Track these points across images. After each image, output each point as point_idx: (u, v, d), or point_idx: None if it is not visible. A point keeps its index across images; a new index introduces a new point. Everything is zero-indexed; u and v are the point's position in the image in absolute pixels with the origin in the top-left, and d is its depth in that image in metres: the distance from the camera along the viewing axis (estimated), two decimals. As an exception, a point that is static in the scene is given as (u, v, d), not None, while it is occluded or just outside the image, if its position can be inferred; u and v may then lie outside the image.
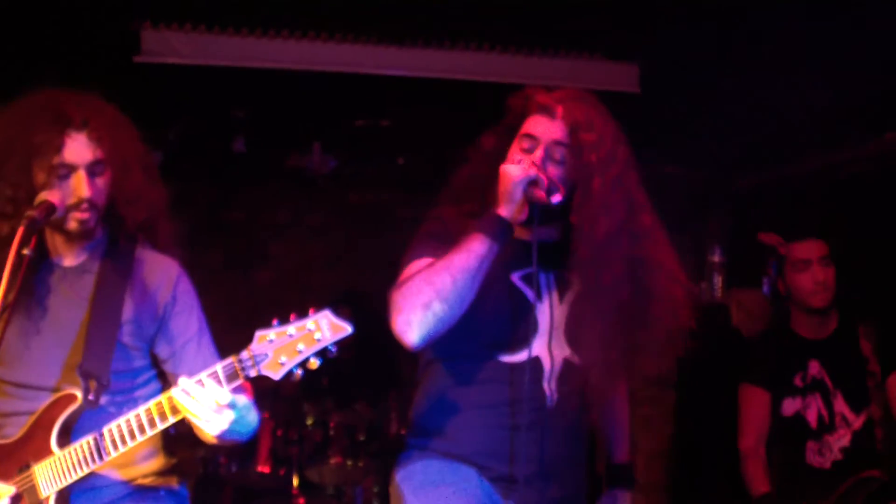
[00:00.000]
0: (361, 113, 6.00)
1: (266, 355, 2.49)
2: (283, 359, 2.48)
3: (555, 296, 2.95)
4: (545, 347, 2.91)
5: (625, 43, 5.22)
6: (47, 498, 2.61)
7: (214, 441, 2.67)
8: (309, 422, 5.73)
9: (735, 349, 5.56)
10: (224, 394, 2.51)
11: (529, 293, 2.93)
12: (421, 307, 2.71)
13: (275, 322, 2.51)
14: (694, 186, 6.65)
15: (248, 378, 2.54)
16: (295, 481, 5.59)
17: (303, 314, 2.51)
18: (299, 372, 2.51)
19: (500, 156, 2.95)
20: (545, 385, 2.90)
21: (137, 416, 2.58)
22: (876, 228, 5.55)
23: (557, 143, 2.88)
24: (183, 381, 2.52)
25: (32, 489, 2.62)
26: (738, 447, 4.44)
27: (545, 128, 2.89)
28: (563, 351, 2.93)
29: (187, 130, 5.88)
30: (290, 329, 2.49)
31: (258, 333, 2.50)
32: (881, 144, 5.67)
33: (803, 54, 4.67)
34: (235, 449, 5.48)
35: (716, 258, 6.59)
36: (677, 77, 5.34)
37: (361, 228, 6.71)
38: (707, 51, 4.90)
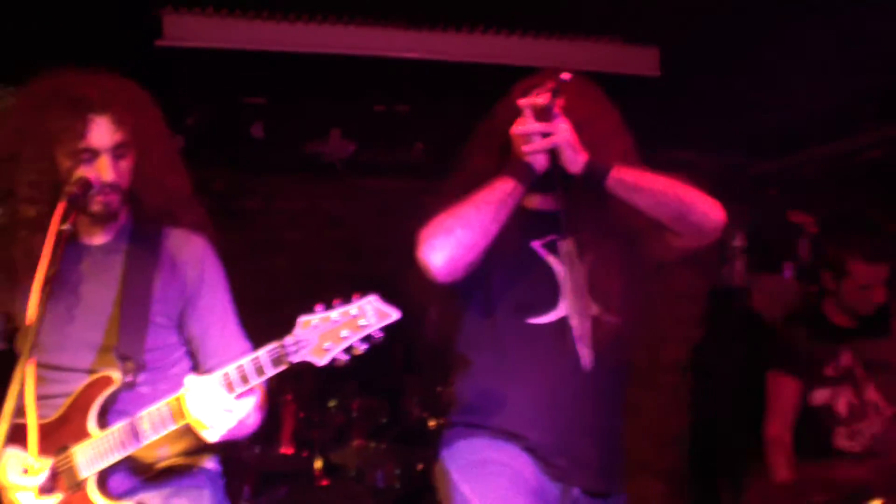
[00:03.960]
0: (380, 98, 5.98)
1: (310, 340, 2.46)
2: (328, 344, 2.45)
3: (575, 258, 2.98)
4: (572, 307, 2.93)
5: (644, 26, 5.19)
6: (86, 479, 2.62)
7: (209, 441, 2.64)
8: (331, 404, 5.73)
9: (757, 334, 5.56)
10: (226, 398, 2.51)
11: (551, 258, 2.99)
12: (444, 233, 2.81)
13: (318, 307, 2.48)
14: (713, 171, 6.61)
15: (291, 364, 2.51)
16: (317, 463, 5.59)
17: (347, 300, 2.48)
18: (344, 358, 2.48)
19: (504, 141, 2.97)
20: (579, 346, 2.91)
21: (169, 403, 2.58)
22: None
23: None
24: (189, 380, 2.53)
25: (71, 470, 2.63)
26: (764, 434, 4.44)
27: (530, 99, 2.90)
28: (590, 309, 2.95)
29: (206, 116, 5.86)
30: (334, 314, 2.46)
31: (301, 319, 2.47)
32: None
33: (826, 40, 4.65)
34: (258, 431, 5.48)
35: (737, 242, 6.57)
36: (697, 60, 5.31)
37: (380, 215, 6.69)
38: (727, 34, 4.88)
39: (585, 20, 5.06)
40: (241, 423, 2.61)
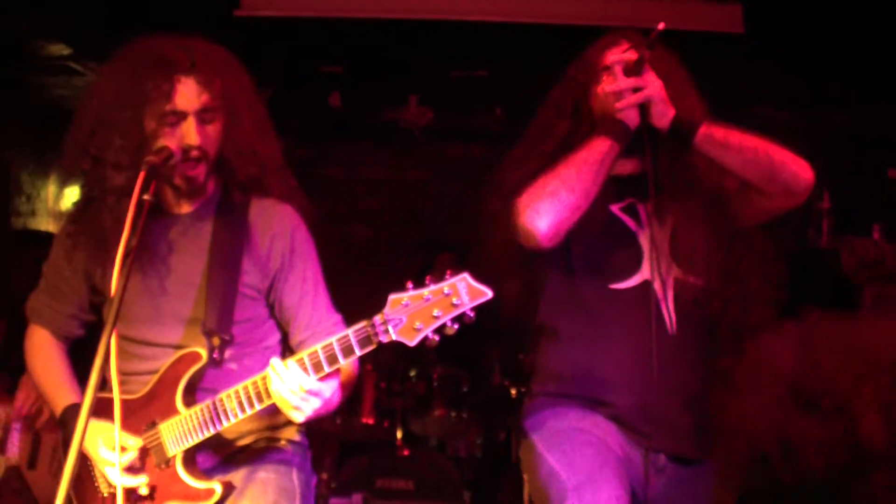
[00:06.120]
0: (458, 63, 5.92)
1: (401, 320, 2.35)
2: (419, 324, 2.34)
3: (654, 222, 2.95)
4: (654, 270, 2.89)
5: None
6: (174, 456, 2.62)
7: (296, 421, 2.57)
8: (412, 374, 5.70)
9: (845, 297, 5.43)
10: (310, 381, 2.44)
11: (630, 221, 2.96)
12: (548, 196, 2.78)
13: (409, 285, 2.37)
14: (798, 129, 6.45)
15: (381, 343, 2.40)
16: (399, 433, 5.60)
17: (439, 277, 2.36)
18: (436, 338, 2.36)
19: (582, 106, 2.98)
20: (663, 309, 2.88)
21: (255, 383, 2.53)
22: None
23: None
24: (274, 362, 2.46)
25: (160, 447, 2.63)
26: None
27: (621, 55, 2.87)
28: (672, 272, 2.92)
29: (284, 86, 5.84)
30: (426, 292, 2.35)
31: (392, 297, 2.36)
32: None
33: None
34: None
35: (824, 204, 6.40)
36: (781, 17, 5.18)
37: (459, 182, 6.63)
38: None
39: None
40: (325, 402, 2.54)
